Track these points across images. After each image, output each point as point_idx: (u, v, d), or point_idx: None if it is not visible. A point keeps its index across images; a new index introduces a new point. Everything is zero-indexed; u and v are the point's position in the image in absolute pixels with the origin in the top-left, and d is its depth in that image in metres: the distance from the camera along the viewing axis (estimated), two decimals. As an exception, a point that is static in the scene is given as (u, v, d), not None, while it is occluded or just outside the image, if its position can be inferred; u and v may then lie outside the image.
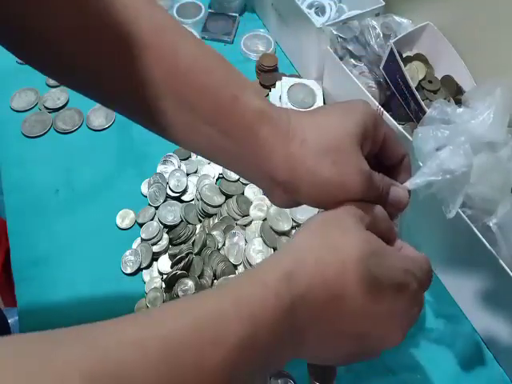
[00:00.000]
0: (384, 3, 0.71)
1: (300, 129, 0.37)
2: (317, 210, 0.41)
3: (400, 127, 0.58)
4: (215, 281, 0.56)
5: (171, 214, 0.61)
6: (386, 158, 0.42)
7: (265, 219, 0.61)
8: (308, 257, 0.31)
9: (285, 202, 0.40)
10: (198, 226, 0.61)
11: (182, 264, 0.56)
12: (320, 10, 0.78)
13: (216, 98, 0.37)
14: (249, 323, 0.27)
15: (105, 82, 0.37)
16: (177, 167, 0.66)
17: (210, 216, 0.62)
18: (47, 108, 0.74)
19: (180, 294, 0.55)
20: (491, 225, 0.45)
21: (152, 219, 0.61)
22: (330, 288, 0.31)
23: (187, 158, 0.68)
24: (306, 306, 0.30)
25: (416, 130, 0.44)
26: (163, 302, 0.55)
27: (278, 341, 0.29)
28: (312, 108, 0.71)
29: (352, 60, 0.68)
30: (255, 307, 0.28)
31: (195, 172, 0.67)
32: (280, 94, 0.73)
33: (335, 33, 0.67)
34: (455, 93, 0.64)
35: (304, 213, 0.61)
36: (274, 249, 0.58)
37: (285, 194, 0.38)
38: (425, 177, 0.40)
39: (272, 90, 0.76)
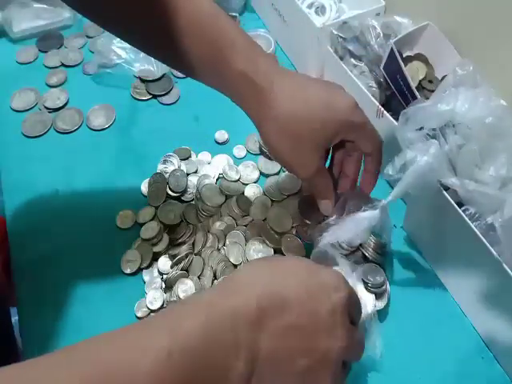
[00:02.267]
0: (384, 3, 0.71)
1: (278, 105, 0.43)
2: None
3: (400, 127, 0.58)
4: (215, 281, 0.56)
5: (171, 214, 0.61)
6: (360, 147, 0.48)
7: (265, 219, 0.61)
8: (244, 271, 0.37)
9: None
10: (198, 226, 0.61)
11: (182, 264, 0.56)
12: (320, 10, 0.78)
13: (214, 49, 0.44)
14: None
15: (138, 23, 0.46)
16: (177, 167, 0.66)
17: (209, 216, 0.62)
18: (47, 108, 0.74)
19: (180, 294, 0.55)
20: (496, 225, 0.45)
21: (152, 219, 0.61)
22: (265, 295, 0.33)
23: (187, 158, 0.68)
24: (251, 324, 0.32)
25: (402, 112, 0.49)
26: (163, 302, 0.55)
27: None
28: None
29: (352, 60, 0.68)
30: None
31: (195, 172, 0.67)
32: (280, 93, 0.73)
33: (335, 33, 0.67)
34: (455, 93, 0.64)
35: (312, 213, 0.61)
36: (274, 249, 0.58)
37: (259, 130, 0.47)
38: (402, 188, 0.46)
39: (272, 89, 0.76)
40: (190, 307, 0.32)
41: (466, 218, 0.48)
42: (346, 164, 0.50)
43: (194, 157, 0.69)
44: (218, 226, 0.61)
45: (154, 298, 0.55)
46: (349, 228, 0.47)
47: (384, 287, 0.54)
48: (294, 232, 0.61)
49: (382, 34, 0.66)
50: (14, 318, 0.70)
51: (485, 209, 0.47)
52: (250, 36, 0.46)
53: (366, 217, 0.47)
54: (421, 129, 0.48)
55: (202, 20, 0.44)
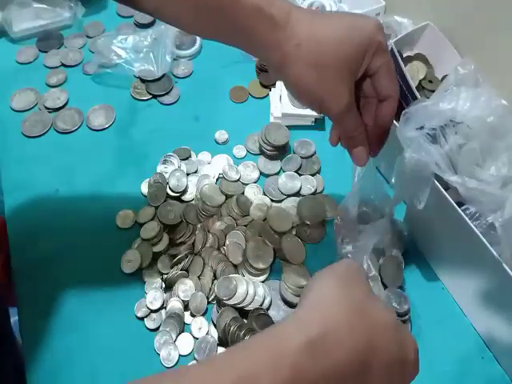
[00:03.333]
0: (384, 3, 0.71)
1: (298, 32, 0.39)
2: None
3: (400, 127, 0.58)
4: (215, 280, 0.56)
5: (171, 213, 0.61)
6: (374, 87, 0.43)
7: (265, 219, 0.61)
8: (339, 321, 0.29)
9: (277, 78, 0.46)
10: (198, 226, 0.61)
11: (182, 264, 0.56)
12: (320, 10, 0.78)
13: None
14: None
15: None
16: (177, 167, 0.66)
17: (210, 216, 0.62)
18: (47, 108, 0.74)
19: (180, 294, 0.55)
20: (496, 225, 0.45)
21: (152, 219, 0.61)
22: (358, 359, 0.29)
23: (187, 158, 0.68)
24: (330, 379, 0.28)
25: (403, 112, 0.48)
26: (163, 301, 0.55)
27: None
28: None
29: (352, 60, 0.68)
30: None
31: (195, 172, 0.67)
32: (280, 93, 0.73)
33: (335, 33, 0.67)
34: (455, 93, 0.64)
35: (312, 212, 0.61)
36: (274, 249, 0.58)
37: (278, 76, 0.42)
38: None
39: (272, 89, 0.76)
40: (269, 370, 0.27)
41: (466, 218, 0.48)
42: (364, 111, 0.45)
43: (194, 157, 0.69)
44: (218, 225, 0.61)
45: (154, 297, 0.55)
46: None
47: (408, 316, 0.54)
48: (294, 232, 0.61)
49: (382, 34, 0.66)
50: (14, 318, 0.70)
51: (485, 208, 0.47)
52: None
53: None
54: (421, 128, 0.48)
55: None
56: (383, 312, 0.32)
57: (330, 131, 0.47)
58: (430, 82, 0.65)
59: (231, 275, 0.56)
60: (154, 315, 0.55)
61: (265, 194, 0.65)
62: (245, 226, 0.61)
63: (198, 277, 0.57)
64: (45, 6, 0.84)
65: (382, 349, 0.30)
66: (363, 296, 0.32)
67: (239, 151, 0.70)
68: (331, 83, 0.40)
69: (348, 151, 0.46)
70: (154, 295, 0.56)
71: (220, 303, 0.54)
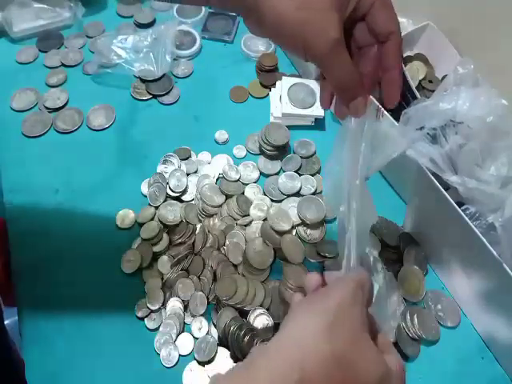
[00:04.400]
0: (384, 3, 0.71)
1: None
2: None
3: (400, 127, 0.58)
4: (215, 281, 0.56)
5: (171, 213, 0.61)
6: (370, 30, 0.36)
7: (265, 219, 0.61)
8: (315, 372, 0.28)
9: (256, 31, 0.37)
10: (198, 226, 0.61)
11: (182, 264, 0.56)
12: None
13: None
14: None
15: None
16: (177, 167, 0.66)
17: (210, 216, 0.62)
18: (47, 108, 0.74)
19: (180, 294, 0.55)
20: (496, 225, 0.45)
21: (152, 219, 0.61)
22: None
23: (187, 158, 0.68)
24: None
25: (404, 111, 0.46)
26: (163, 301, 0.55)
27: None
28: (311, 108, 0.71)
29: (352, 60, 0.68)
30: None
31: (195, 172, 0.67)
32: (280, 93, 0.73)
33: (335, 32, 0.67)
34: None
35: (312, 213, 0.61)
36: (274, 249, 0.58)
37: (254, 23, 0.36)
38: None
39: (272, 89, 0.76)
40: None
41: (466, 218, 0.48)
42: (361, 63, 0.38)
43: (194, 157, 0.69)
44: (218, 226, 0.61)
45: (155, 298, 0.55)
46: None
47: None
48: (294, 232, 0.61)
49: (382, 34, 0.66)
50: (14, 318, 0.70)
51: (485, 208, 0.47)
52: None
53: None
54: (421, 128, 0.48)
55: None
56: (370, 363, 0.29)
57: (320, 92, 0.39)
58: (430, 82, 0.65)
59: (231, 275, 0.56)
60: (153, 315, 0.55)
61: (265, 194, 0.65)
62: (245, 226, 0.61)
63: (198, 277, 0.57)
64: (45, 6, 0.84)
65: None
66: (349, 342, 0.29)
67: (239, 151, 0.70)
68: (315, 14, 0.33)
69: (337, 113, 0.38)
70: (154, 295, 0.56)
71: (220, 303, 0.54)
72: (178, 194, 0.63)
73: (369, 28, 0.36)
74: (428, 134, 0.48)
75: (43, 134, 0.71)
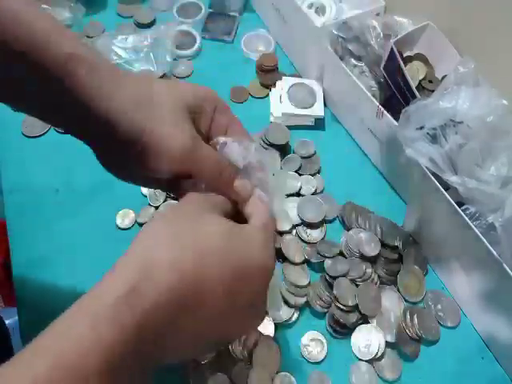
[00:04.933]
0: (384, 3, 0.71)
1: (128, 80, 0.35)
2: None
3: (400, 127, 0.58)
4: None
5: (171, 213, 0.61)
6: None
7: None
8: (158, 261, 0.28)
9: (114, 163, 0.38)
10: (198, 226, 0.61)
11: (182, 264, 0.56)
12: (320, 10, 0.78)
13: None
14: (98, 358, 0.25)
15: None
16: (177, 167, 0.66)
17: (210, 216, 0.62)
18: (47, 108, 0.74)
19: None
20: (496, 225, 0.45)
21: (152, 219, 0.61)
22: (185, 295, 0.28)
23: (187, 158, 0.68)
24: (157, 320, 0.27)
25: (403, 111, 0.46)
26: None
27: (134, 359, 0.27)
28: (311, 108, 0.71)
29: (352, 60, 0.68)
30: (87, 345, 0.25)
31: (195, 172, 0.66)
32: (280, 93, 0.73)
33: (335, 32, 0.67)
34: (455, 92, 0.64)
35: (312, 212, 0.61)
36: (274, 249, 0.58)
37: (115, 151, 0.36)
38: None
39: (272, 89, 0.76)
40: None
41: (466, 218, 0.48)
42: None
43: (194, 157, 0.68)
44: (218, 225, 0.60)
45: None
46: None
47: None
48: (294, 232, 0.61)
49: (381, 34, 0.66)
50: (14, 318, 0.70)
51: (485, 208, 0.47)
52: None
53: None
54: (421, 128, 0.48)
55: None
56: (215, 239, 0.30)
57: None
58: (430, 82, 0.65)
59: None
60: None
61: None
62: (245, 225, 0.61)
63: (198, 277, 0.56)
64: (45, 6, 0.84)
65: (213, 273, 0.29)
66: (191, 226, 0.31)
67: (239, 151, 0.69)
68: (170, 119, 0.35)
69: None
70: (153, 295, 0.55)
71: (220, 303, 0.54)
72: (177, 194, 0.63)
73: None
74: (428, 133, 0.48)
75: (43, 134, 0.71)
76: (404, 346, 0.52)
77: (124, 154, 0.35)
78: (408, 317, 0.54)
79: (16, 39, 0.32)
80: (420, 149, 0.49)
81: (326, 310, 0.55)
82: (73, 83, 0.33)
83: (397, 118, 0.59)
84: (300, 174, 0.66)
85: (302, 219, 0.61)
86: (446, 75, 0.65)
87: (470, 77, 0.51)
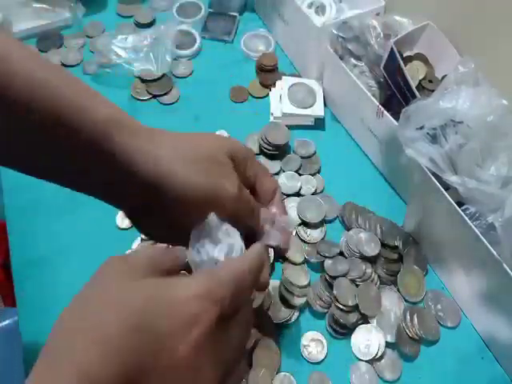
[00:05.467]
0: (384, 3, 0.71)
1: (167, 138, 0.37)
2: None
3: (400, 127, 0.58)
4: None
5: (171, 213, 0.61)
6: (257, 196, 0.41)
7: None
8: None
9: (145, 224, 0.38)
10: (198, 226, 0.61)
11: (182, 264, 0.56)
12: (320, 10, 0.78)
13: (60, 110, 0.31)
14: None
15: None
16: (177, 167, 0.66)
17: (210, 216, 0.62)
18: (47, 108, 0.74)
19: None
20: (496, 225, 0.45)
21: (152, 219, 0.61)
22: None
23: (187, 158, 0.68)
24: None
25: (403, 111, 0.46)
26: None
27: None
28: (311, 108, 0.71)
29: (352, 60, 0.68)
30: None
31: (195, 172, 0.66)
32: (280, 93, 0.73)
33: (335, 32, 0.67)
34: (455, 92, 0.64)
35: (312, 212, 0.61)
36: (274, 249, 0.58)
37: (148, 212, 0.36)
38: None
39: (272, 89, 0.76)
40: None
41: (466, 218, 0.48)
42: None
43: (193, 157, 0.69)
44: (218, 225, 0.60)
45: (154, 297, 0.55)
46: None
47: None
48: (294, 232, 0.61)
49: (382, 34, 0.66)
50: (14, 318, 0.70)
51: (485, 208, 0.47)
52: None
53: None
54: (421, 128, 0.48)
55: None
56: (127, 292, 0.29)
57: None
58: (430, 81, 0.65)
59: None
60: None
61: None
62: (245, 225, 0.61)
63: (198, 277, 0.56)
64: (45, 6, 0.84)
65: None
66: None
67: (239, 151, 0.70)
68: (220, 172, 0.36)
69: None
70: (153, 295, 0.55)
71: (220, 303, 0.54)
72: (177, 194, 0.63)
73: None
74: (428, 133, 0.48)
75: (43, 133, 0.71)
76: (404, 346, 0.52)
77: (169, 213, 0.35)
78: (408, 317, 0.54)
79: (44, 107, 0.30)
80: (420, 149, 0.49)
81: (326, 310, 0.55)
82: (112, 147, 0.32)
83: (397, 118, 0.59)
84: (300, 174, 0.66)
85: (302, 219, 0.61)
86: (445, 75, 0.65)
87: (470, 77, 0.51)
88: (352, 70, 0.66)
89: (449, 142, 0.49)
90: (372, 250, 0.57)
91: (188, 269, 0.35)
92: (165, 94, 0.76)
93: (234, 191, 0.35)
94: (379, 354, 0.52)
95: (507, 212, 0.44)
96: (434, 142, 0.50)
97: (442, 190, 0.50)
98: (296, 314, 0.55)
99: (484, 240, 0.47)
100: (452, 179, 0.48)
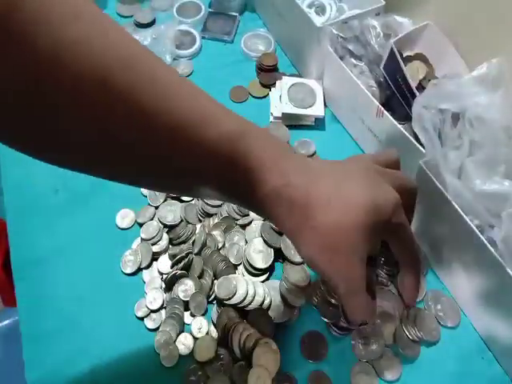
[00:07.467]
0: (384, 3, 0.71)
1: (314, 211, 0.36)
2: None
3: (400, 126, 0.58)
4: (215, 280, 0.56)
5: (171, 213, 0.61)
6: (392, 250, 0.41)
7: (265, 219, 0.61)
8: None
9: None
10: (198, 226, 0.61)
11: (182, 264, 0.56)
12: (320, 10, 0.78)
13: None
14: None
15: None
16: (177, 167, 0.66)
17: (209, 216, 0.62)
18: (47, 108, 0.74)
19: (180, 294, 0.55)
20: (497, 241, 0.46)
21: (152, 219, 0.61)
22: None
23: (187, 158, 0.68)
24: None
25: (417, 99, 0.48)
26: (163, 301, 0.55)
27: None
28: (311, 108, 0.71)
29: (352, 60, 0.68)
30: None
31: (195, 172, 0.66)
32: (280, 93, 0.73)
33: (335, 32, 0.67)
34: (455, 92, 0.63)
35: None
36: (275, 249, 0.58)
37: None
38: None
39: (272, 89, 0.76)
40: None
41: (467, 218, 0.48)
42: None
43: (193, 157, 0.68)
44: (217, 226, 0.60)
45: (154, 297, 0.55)
46: None
47: None
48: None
49: (382, 34, 0.66)
50: (14, 318, 0.70)
51: (484, 219, 0.48)
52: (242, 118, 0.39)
53: None
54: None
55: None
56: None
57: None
58: (430, 81, 0.65)
59: (231, 275, 0.56)
60: (153, 315, 0.55)
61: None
62: (245, 225, 0.61)
63: (198, 277, 0.56)
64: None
65: None
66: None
67: (239, 151, 0.69)
68: (343, 265, 0.36)
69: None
70: (153, 295, 0.56)
71: (220, 303, 0.54)
72: (177, 194, 0.63)
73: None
74: (433, 130, 0.48)
75: (43, 133, 0.71)
76: (404, 346, 0.52)
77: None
78: (408, 317, 0.54)
79: (170, 117, 0.33)
80: (421, 149, 0.49)
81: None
82: (242, 159, 0.34)
83: (397, 118, 0.59)
84: (300, 174, 0.66)
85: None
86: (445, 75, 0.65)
87: (498, 79, 0.50)
88: (352, 70, 0.66)
89: (452, 142, 0.49)
90: (372, 250, 0.57)
91: None
92: (165, 93, 0.76)
93: (350, 288, 0.37)
94: (379, 355, 0.52)
95: (504, 229, 0.45)
96: (435, 141, 0.50)
97: (443, 190, 0.50)
98: (296, 313, 0.55)
99: (484, 240, 0.47)
100: (452, 182, 0.48)
